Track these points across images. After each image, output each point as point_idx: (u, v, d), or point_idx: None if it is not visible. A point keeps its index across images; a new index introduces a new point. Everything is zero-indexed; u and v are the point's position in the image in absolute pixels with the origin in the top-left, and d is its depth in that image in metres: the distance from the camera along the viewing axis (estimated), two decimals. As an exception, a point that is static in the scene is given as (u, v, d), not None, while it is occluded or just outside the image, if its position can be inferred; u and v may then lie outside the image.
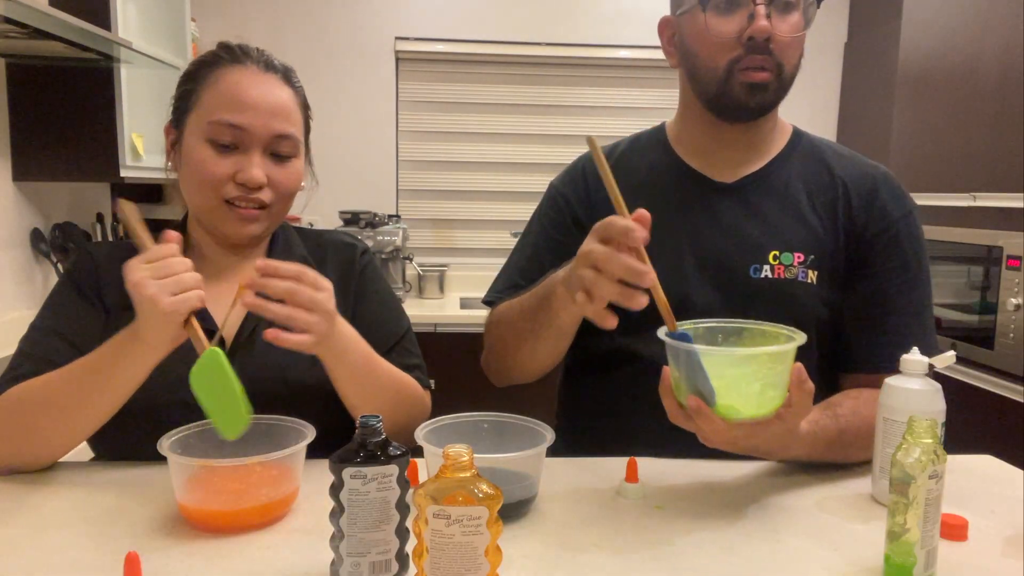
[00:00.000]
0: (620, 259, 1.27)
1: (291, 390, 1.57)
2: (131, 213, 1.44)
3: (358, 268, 1.81)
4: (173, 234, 1.39)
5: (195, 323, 1.35)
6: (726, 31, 1.61)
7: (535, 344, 1.67)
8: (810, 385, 1.27)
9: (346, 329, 1.51)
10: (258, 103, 1.59)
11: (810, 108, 5.20)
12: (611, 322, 1.33)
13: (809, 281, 1.68)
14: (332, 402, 1.57)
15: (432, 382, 1.81)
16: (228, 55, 1.64)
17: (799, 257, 1.68)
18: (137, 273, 1.31)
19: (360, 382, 1.55)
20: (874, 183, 1.74)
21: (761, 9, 1.59)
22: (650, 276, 1.26)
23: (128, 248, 1.69)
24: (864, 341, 1.70)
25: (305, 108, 1.72)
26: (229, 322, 1.66)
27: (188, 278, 1.34)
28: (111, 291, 1.66)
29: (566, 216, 1.85)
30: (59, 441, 1.49)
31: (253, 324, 1.66)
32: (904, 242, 1.70)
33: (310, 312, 1.37)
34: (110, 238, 4.12)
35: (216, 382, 1.31)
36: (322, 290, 1.40)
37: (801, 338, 1.26)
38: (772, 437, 1.30)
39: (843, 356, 1.72)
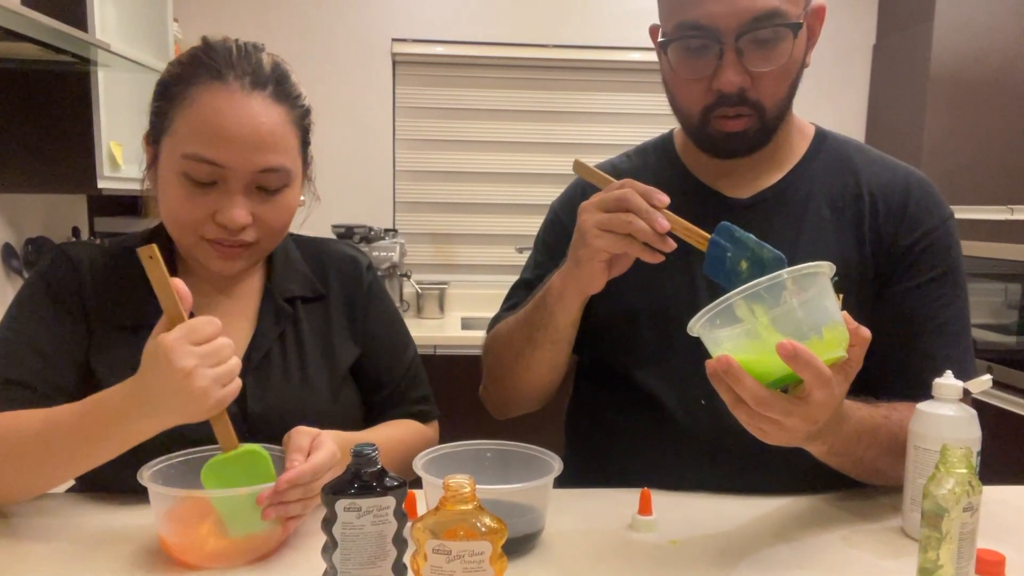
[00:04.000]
0: (639, 199, 1.40)
1: (307, 423, 1.46)
2: (158, 266, 1.28)
3: (364, 286, 1.80)
4: (186, 293, 1.30)
5: (225, 415, 1.31)
6: (693, 76, 1.58)
7: (532, 353, 1.68)
8: (865, 330, 1.23)
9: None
10: (240, 135, 1.47)
11: (837, 115, 5.20)
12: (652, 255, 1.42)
13: None
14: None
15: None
16: (206, 69, 1.50)
17: None
18: (188, 359, 1.23)
19: None
20: (905, 190, 1.69)
21: (729, 57, 1.53)
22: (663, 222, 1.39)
23: (112, 254, 1.65)
24: (893, 365, 1.65)
25: (303, 120, 1.61)
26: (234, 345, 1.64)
27: (234, 365, 1.29)
28: (97, 305, 1.59)
29: (563, 238, 1.77)
30: (16, 491, 1.44)
31: (265, 347, 1.64)
32: (937, 254, 1.66)
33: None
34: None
35: (242, 480, 1.31)
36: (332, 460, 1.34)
37: (828, 265, 1.23)
38: (842, 395, 1.25)
39: (874, 381, 1.62)
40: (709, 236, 1.38)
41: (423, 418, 1.82)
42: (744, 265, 1.35)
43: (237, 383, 1.29)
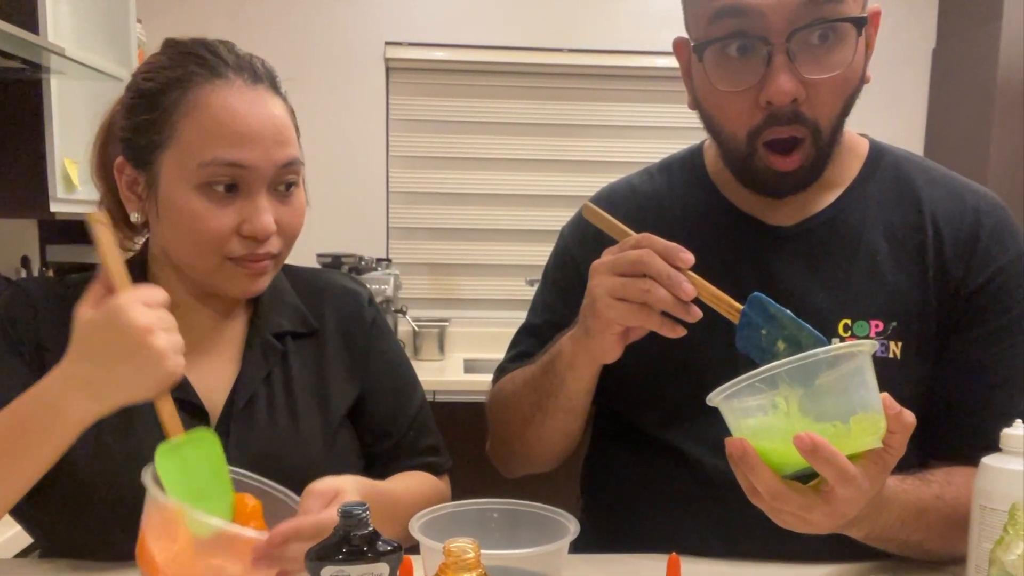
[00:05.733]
0: (659, 262, 1.36)
1: (298, 476, 1.46)
2: (106, 232, 1.39)
3: (366, 322, 1.81)
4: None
5: (169, 395, 1.36)
6: (735, 86, 1.52)
7: (542, 421, 1.68)
8: (909, 416, 1.22)
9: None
10: (260, 130, 1.52)
11: (891, 128, 5.13)
12: (669, 330, 1.39)
13: (891, 356, 1.61)
14: None
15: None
16: (201, 68, 1.53)
17: (877, 326, 1.61)
18: (145, 316, 1.30)
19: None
20: (976, 219, 1.64)
21: (780, 60, 1.47)
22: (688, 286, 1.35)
23: (73, 287, 1.63)
24: (960, 422, 1.62)
25: (293, 115, 1.65)
26: (216, 388, 1.64)
27: (181, 341, 1.36)
28: (57, 346, 1.50)
29: (574, 278, 1.77)
30: None
31: (250, 391, 1.64)
32: (1010, 295, 1.62)
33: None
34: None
35: (196, 470, 1.33)
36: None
37: (870, 344, 1.23)
38: (876, 487, 1.24)
39: (935, 441, 1.63)
40: (740, 308, 1.36)
41: (435, 470, 1.82)
42: (781, 346, 1.33)
43: (183, 362, 1.34)
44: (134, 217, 1.64)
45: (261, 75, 1.58)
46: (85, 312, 1.33)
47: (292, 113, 1.64)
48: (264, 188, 1.53)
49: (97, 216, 1.38)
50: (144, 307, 1.31)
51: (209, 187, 1.50)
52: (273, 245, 1.57)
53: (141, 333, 1.28)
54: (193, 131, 1.50)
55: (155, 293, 1.35)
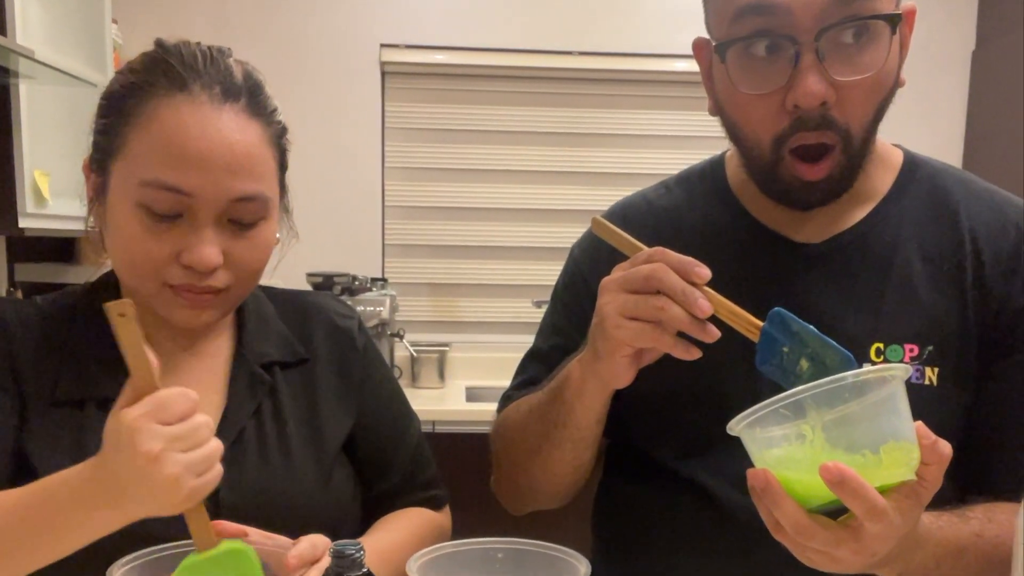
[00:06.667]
0: (673, 277, 1.34)
1: (293, 516, 1.49)
2: (132, 328, 1.23)
3: (360, 349, 1.80)
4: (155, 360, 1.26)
5: (203, 509, 1.26)
6: (760, 89, 1.51)
7: (550, 453, 1.67)
8: (945, 446, 1.20)
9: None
10: (210, 155, 1.45)
11: (928, 137, 5.11)
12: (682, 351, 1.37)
13: (927, 382, 1.59)
14: (343, 533, 1.49)
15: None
16: (167, 77, 1.48)
17: (912, 350, 1.59)
18: (154, 441, 1.18)
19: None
20: (1018, 236, 1.62)
21: (808, 60, 1.45)
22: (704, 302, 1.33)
23: (47, 314, 1.62)
24: (1002, 455, 1.61)
25: (279, 139, 1.62)
26: None
27: (213, 450, 1.25)
28: (32, 376, 1.55)
29: (585, 299, 1.76)
30: None
31: (238, 427, 1.61)
32: None
33: None
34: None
35: None
36: None
37: (903, 369, 1.21)
38: (909, 523, 1.23)
39: (974, 474, 1.61)
40: (760, 324, 1.35)
41: (436, 504, 1.83)
42: (804, 365, 1.32)
43: (217, 470, 1.25)
44: (91, 224, 1.61)
45: (238, 91, 1.52)
46: (113, 416, 1.23)
47: (275, 137, 1.60)
48: (211, 218, 1.48)
49: (118, 306, 1.22)
50: (155, 427, 1.19)
51: (149, 208, 1.45)
52: (218, 279, 1.51)
53: (147, 462, 1.17)
54: (142, 145, 1.47)
55: (177, 402, 1.23)
